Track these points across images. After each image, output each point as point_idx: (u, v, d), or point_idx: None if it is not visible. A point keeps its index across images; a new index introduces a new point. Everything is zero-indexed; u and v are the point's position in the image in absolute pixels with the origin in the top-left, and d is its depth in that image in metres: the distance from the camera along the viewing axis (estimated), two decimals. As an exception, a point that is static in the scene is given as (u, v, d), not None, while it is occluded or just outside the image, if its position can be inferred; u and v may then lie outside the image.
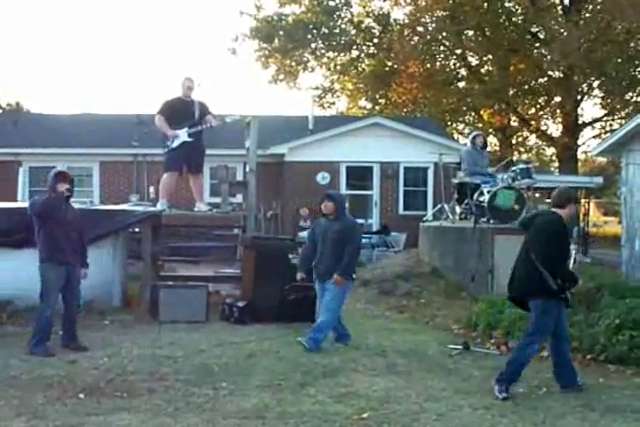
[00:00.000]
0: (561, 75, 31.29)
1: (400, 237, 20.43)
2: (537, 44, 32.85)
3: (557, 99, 33.62)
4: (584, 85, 32.27)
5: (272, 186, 21.17)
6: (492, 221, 13.51)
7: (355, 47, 36.46)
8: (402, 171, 22.91)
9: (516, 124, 37.19)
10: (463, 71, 35.54)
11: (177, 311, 10.77)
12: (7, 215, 11.29)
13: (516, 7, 33.28)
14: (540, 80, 33.93)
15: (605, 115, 34.60)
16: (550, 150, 40.27)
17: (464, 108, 36.08)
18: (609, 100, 33.47)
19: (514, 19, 33.12)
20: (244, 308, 10.90)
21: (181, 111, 12.51)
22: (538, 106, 36.22)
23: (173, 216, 13.14)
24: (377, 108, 37.09)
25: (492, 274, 12.64)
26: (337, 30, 35.47)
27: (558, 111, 34.19)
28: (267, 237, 14.26)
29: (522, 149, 40.19)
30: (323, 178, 22.31)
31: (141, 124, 19.99)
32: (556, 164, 38.59)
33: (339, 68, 37.10)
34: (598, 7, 30.25)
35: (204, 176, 14.24)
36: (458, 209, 15.26)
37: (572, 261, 10.50)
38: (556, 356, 7.54)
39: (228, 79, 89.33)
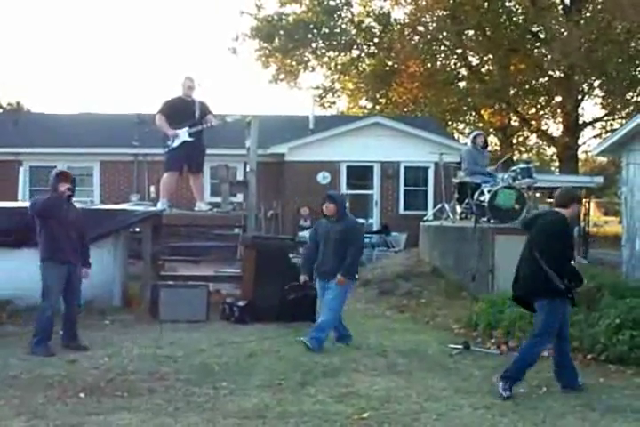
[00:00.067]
0: (561, 74, 31.30)
1: (400, 236, 20.43)
2: (537, 44, 32.85)
3: (558, 98, 33.63)
4: (584, 85, 32.28)
5: (272, 186, 21.17)
6: (492, 221, 13.51)
7: (355, 47, 36.45)
8: (402, 170, 22.91)
9: (516, 123, 37.20)
10: (464, 71, 35.55)
11: (177, 311, 10.78)
12: (7, 215, 11.29)
13: (517, 7, 33.31)
14: (541, 80, 33.93)
15: (606, 114, 34.60)
16: (551, 150, 40.32)
17: (464, 108, 36.08)
18: (609, 100, 33.48)
19: (514, 18, 33.12)
20: (244, 307, 10.90)
21: (182, 111, 12.51)
22: (538, 106, 36.22)
23: (174, 216, 13.14)
24: (377, 107, 37.08)
25: (493, 274, 12.64)
26: (337, 30, 35.46)
27: (559, 111, 34.19)
28: (267, 237, 14.26)
29: (522, 149, 40.18)
30: (323, 178, 22.30)
31: (142, 124, 19.98)
32: (557, 163, 38.61)
33: (339, 67, 37.09)
34: (599, 7, 30.25)
35: (204, 176, 14.25)
36: (458, 209, 15.26)
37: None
38: (559, 355, 7.54)
39: (228, 79, 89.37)
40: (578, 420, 6.50)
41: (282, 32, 34.98)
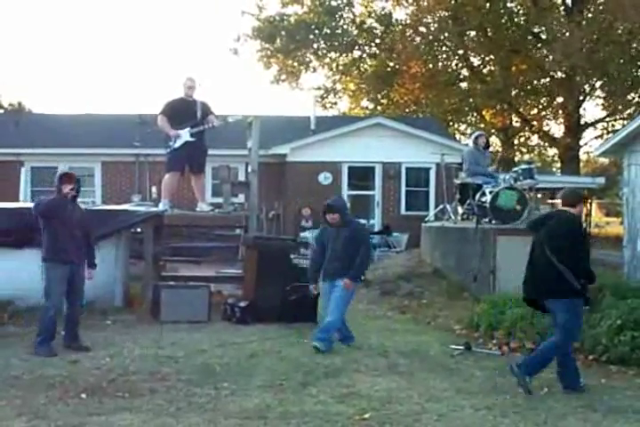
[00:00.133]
0: (563, 75, 31.30)
1: (402, 237, 20.41)
2: (539, 45, 32.85)
3: (559, 99, 33.63)
4: (586, 86, 32.30)
5: (274, 186, 21.17)
6: (493, 222, 13.50)
7: (357, 47, 36.47)
8: (404, 171, 22.91)
9: (517, 124, 37.19)
10: (465, 71, 35.55)
11: (179, 311, 10.77)
12: (8, 215, 11.30)
13: (518, 7, 33.31)
14: (542, 81, 33.94)
15: (607, 115, 34.60)
16: (552, 151, 40.29)
17: (466, 109, 36.09)
18: (611, 101, 33.47)
19: (516, 19, 33.12)
20: (245, 308, 10.90)
21: (183, 111, 12.52)
22: (540, 106, 36.22)
23: (175, 216, 13.15)
24: (379, 108, 37.08)
25: (494, 274, 12.63)
26: (339, 30, 35.48)
27: (560, 112, 34.17)
28: (269, 238, 14.25)
29: (524, 150, 40.16)
30: (325, 178, 22.31)
31: (143, 125, 19.99)
32: (558, 164, 38.59)
33: (341, 68, 37.10)
34: (600, 8, 30.26)
35: (205, 176, 14.27)
36: (460, 209, 15.25)
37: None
38: (562, 356, 7.54)
39: (230, 79, 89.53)
40: (579, 421, 6.50)
41: (283, 33, 34.99)
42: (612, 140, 14.54)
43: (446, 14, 31.93)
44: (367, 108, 38.68)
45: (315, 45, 35.71)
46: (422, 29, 32.84)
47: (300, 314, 10.84)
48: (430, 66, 33.50)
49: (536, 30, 32.63)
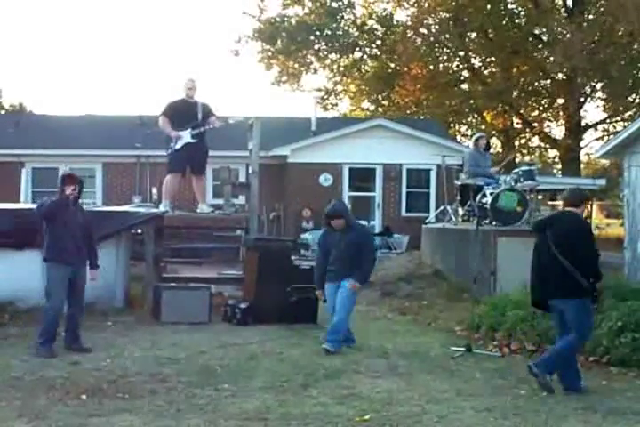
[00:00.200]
0: (564, 77, 31.30)
1: (402, 238, 20.41)
2: (540, 46, 32.85)
3: (560, 101, 33.63)
4: (587, 88, 32.28)
5: (275, 187, 21.15)
6: (494, 223, 13.51)
7: (358, 49, 36.45)
8: (404, 173, 22.91)
9: (518, 126, 37.14)
10: (466, 73, 35.52)
11: (179, 313, 10.78)
12: (9, 216, 11.30)
13: (519, 9, 33.30)
14: (543, 82, 33.94)
15: (608, 117, 34.59)
16: (553, 152, 40.28)
17: (467, 110, 36.07)
18: (612, 103, 33.45)
19: (517, 21, 33.11)
20: (246, 309, 10.90)
21: (184, 112, 12.53)
22: (541, 108, 36.19)
23: (176, 217, 13.17)
24: (380, 109, 37.06)
25: (495, 276, 12.64)
26: (340, 32, 35.47)
27: (561, 113, 34.17)
28: (269, 239, 14.27)
29: (524, 151, 40.15)
30: (325, 180, 22.30)
31: (144, 126, 20.01)
32: (559, 166, 38.57)
33: (342, 69, 37.09)
34: (601, 9, 30.28)
35: (206, 177, 14.26)
36: (460, 211, 15.24)
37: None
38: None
39: (230, 81, 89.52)
40: (580, 422, 6.49)
41: (284, 34, 34.97)
42: (612, 142, 14.54)
43: (447, 16, 31.94)
44: (368, 109, 38.67)
45: (316, 47, 35.71)
46: (423, 31, 32.83)
47: (300, 315, 10.85)
48: (431, 67, 33.51)
49: (537, 32, 32.64)
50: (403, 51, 31.66)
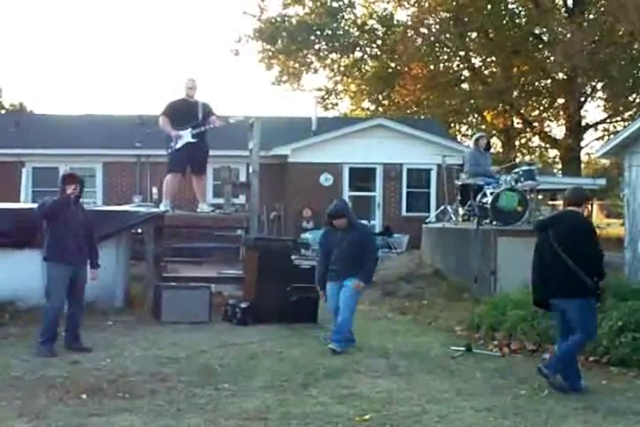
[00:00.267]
0: (564, 77, 31.31)
1: (403, 238, 20.41)
2: (540, 46, 32.87)
3: (561, 100, 33.65)
4: (587, 87, 32.28)
5: (275, 187, 21.16)
6: (494, 223, 13.50)
7: (358, 48, 36.48)
8: (405, 172, 22.91)
9: (519, 125, 37.18)
10: (466, 73, 35.56)
11: (179, 312, 10.78)
12: (9, 216, 11.30)
13: (520, 9, 33.32)
14: (544, 82, 33.96)
15: (609, 117, 34.61)
16: (553, 152, 40.29)
17: (467, 110, 36.08)
18: (612, 102, 33.46)
19: (517, 20, 33.14)
20: (246, 309, 10.90)
21: (185, 112, 12.53)
22: (541, 108, 36.22)
23: (176, 217, 13.17)
24: (380, 109, 37.07)
25: (495, 276, 12.63)
26: (340, 32, 35.49)
27: (561, 113, 34.20)
28: (269, 239, 14.27)
29: (525, 151, 40.17)
30: (326, 179, 22.31)
31: (144, 125, 20.00)
32: (559, 165, 38.57)
33: (342, 69, 37.12)
34: (602, 9, 30.30)
35: (207, 177, 14.26)
36: (461, 211, 15.24)
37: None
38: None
39: (231, 80, 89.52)
40: (580, 422, 6.49)
41: (285, 34, 35.00)
42: (612, 142, 14.54)
43: (448, 15, 31.96)
44: (368, 109, 38.68)
45: (316, 46, 35.73)
46: (424, 30, 32.86)
47: (300, 315, 10.86)
48: (431, 67, 33.54)
49: (537, 32, 32.66)
50: (403, 50, 31.68)
